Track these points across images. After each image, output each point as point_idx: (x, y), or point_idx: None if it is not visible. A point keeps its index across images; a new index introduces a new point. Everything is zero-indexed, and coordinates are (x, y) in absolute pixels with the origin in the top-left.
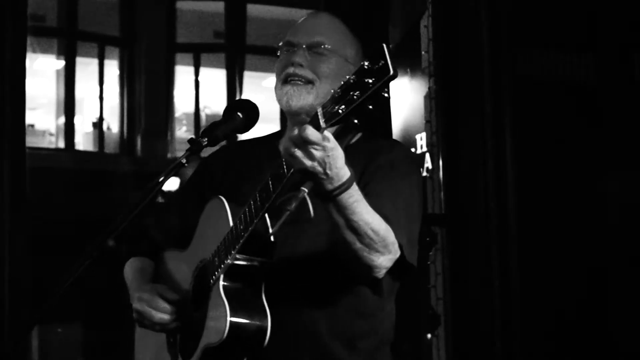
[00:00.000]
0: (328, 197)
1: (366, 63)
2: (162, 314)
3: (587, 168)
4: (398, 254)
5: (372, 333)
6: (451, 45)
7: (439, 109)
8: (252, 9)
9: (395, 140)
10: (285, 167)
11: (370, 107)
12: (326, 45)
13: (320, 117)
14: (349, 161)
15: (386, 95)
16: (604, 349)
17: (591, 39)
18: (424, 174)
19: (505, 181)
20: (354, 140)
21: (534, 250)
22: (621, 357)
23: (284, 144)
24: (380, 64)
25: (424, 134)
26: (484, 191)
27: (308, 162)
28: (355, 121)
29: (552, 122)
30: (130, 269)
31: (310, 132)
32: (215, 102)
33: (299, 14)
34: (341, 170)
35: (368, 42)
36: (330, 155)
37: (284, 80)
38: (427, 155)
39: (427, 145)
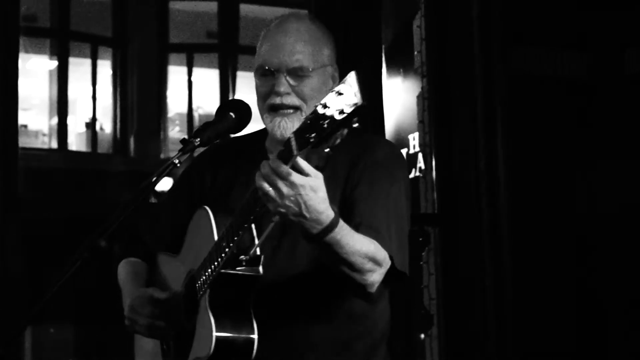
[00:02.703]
0: (314, 240)
1: (336, 90)
2: (150, 319)
3: (579, 165)
4: (389, 265)
5: (365, 334)
6: (444, 45)
7: (432, 109)
8: (245, 9)
9: (380, 137)
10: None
11: (343, 135)
12: (305, 66)
13: (293, 145)
14: (334, 162)
15: (356, 125)
16: (598, 347)
17: (583, 36)
18: (417, 173)
19: (497, 181)
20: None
21: (527, 249)
22: (615, 354)
23: (257, 180)
24: (350, 93)
25: (416, 134)
26: (476, 191)
27: (279, 201)
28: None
29: (544, 120)
30: (123, 271)
31: (276, 166)
32: (208, 102)
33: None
34: (322, 215)
35: (360, 42)
36: (303, 193)
37: (270, 108)
38: (420, 155)
39: (420, 145)
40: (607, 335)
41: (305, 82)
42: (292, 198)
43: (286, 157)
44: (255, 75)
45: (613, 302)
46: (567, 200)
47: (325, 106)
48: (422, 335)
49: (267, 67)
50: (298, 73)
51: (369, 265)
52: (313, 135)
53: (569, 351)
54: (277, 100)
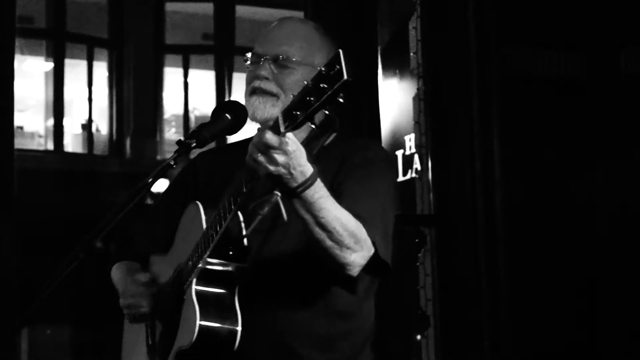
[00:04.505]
0: (293, 194)
1: (323, 69)
2: (143, 303)
3: (575, 166)
4: (372, 251)
5: (350, 333)
6: (439, 46)
7: (428, 110)
8: (241, 10)
9: (369, 139)
10: (249, 175)
11: (327, 112)
12: (291, 57)
13: (280, 122)
14: (324, 162)
15: (341, 100)
16: (594, 347)
17: (579, 36)
18: (413, 175)
19: (493, 182)
20: (328, 141)
21: (522, 250)
22: (611, 353)
23: (249, 150)
24: (335, 69)
25: (412, 135)
26: (472, 192)
27: (272, 167)
28: (327, 112)
29: (540, 121)
30: (118, 271)
31: (270, 137)
32: (204, 103)
33: (287, 15)
34: (304, 167)
35: (356, 43)
36: (293, 157)
37: (251, 92)
38: (416, 157)
39: (416, 147)
40: (603, 335)
41: (288, 72)
42: (284, 164)
43: (276, 133)
44: (247, 63)
45: (609, 302)
46: (563, 201)
47: (312, 84)
48: (419, 336)
49: (255, 53)
50: (282, 62)
51: (348, 240)
52: (299, 112)
53: (565, 352)
54: (257, 83)
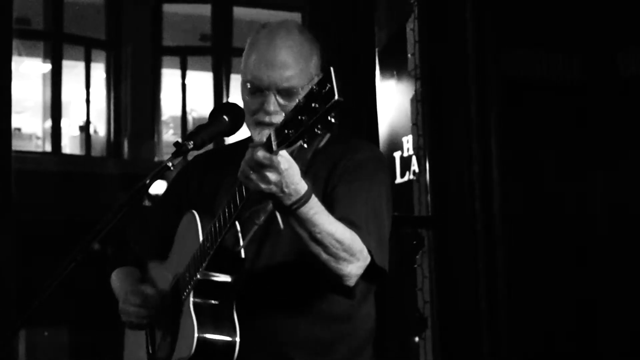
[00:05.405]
0: (288, 211)
1: (314, 87)
2: (139, 309)
3: (573, 168)
4: (368, 260)
5: (348, 336)
6: (437, 48)
7: (426, 112)
8: (239, 12)
9: (362, 140)
10: (244, 189)
11: (319, 131)
12: (293, 83)
13: (273, 140)
14: (318, 166)
15: (333, 120)
16: (592, 349)
17: (576, 39)
18: (411, 176)
19: (491, 183)
20: (322, 144)
21: (521, 252)
22: (609, 356)
23: (241, 166)
24: (327, 88)
25: (410, 137)
26: (470, 193)
27: (264, 185)
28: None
29: (537, 123)
30: (117, 277)
31: (262, 155)
32: (201, 105)
33: (285, 17)
34: (298, 185)
35: (354, 45)
36: (285, 174)
37: (257, 123)
38: (414, 158)
39: (414, 148)
40: (601, 337)
41: (294, 98)
42: (276, 182)
43: (268, 151)
44: (244, 89)
45: (608, 305)
46: (562, 203)
47: (303, 102)
48: (417, 338)
49: (256, 85)
50: (288, 93)
51: (343, 253)
52: (292, 131)
53: (562, 353)
54: (267, 119)
